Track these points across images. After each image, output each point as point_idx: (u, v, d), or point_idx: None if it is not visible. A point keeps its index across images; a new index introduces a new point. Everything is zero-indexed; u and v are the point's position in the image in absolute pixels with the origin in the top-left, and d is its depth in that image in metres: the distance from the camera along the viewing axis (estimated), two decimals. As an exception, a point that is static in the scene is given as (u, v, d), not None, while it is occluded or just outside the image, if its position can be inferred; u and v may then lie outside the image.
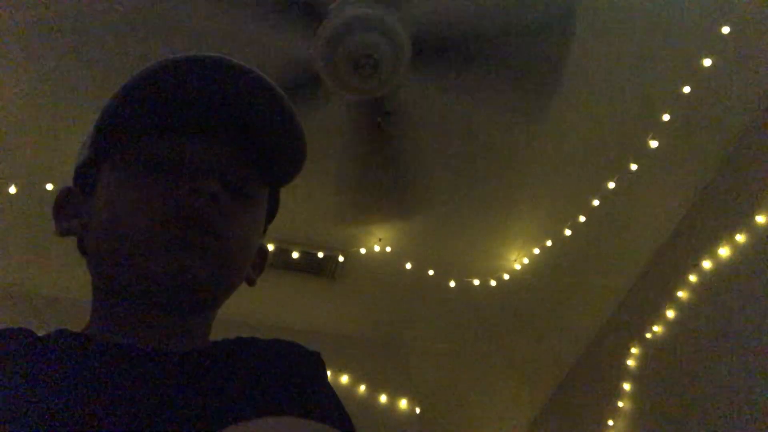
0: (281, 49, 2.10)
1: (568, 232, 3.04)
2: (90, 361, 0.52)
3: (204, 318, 0.63)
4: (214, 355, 0.57)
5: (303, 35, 1.99)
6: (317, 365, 0.62)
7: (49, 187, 2.53)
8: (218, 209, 0.58)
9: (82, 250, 0.64)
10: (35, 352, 0.53)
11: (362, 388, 3.30)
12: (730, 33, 2.40)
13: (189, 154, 0.61)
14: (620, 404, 3.16)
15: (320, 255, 3.09)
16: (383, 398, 3.32)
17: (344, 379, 3.27)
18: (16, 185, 2.60)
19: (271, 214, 0.73)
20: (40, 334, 0.58)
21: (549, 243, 3.10)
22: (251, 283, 0.70)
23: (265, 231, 0.73)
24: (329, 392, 0.59)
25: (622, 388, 3.17)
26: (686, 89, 2.57)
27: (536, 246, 3.14)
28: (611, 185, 2.87)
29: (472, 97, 2.36)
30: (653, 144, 2.72)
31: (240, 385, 0.52)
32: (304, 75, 2.05)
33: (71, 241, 0.66)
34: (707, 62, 2.48)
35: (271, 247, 2.95)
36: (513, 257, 3.21)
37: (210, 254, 0.58)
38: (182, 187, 0.58)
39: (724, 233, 2.77)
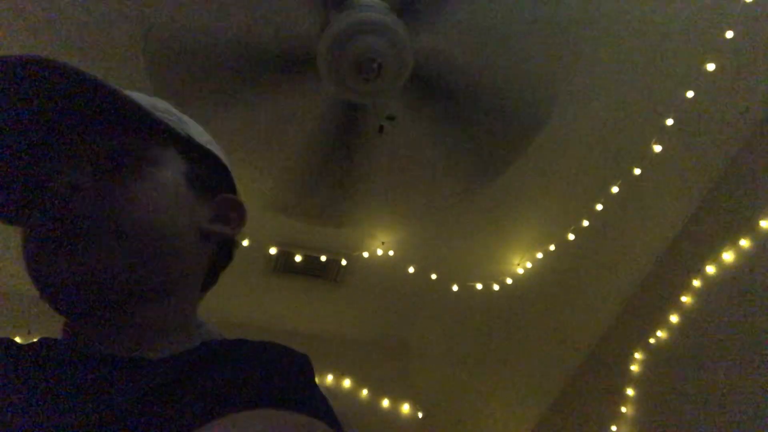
0: (290, 22, 2.09)
1: (571, 237, 3.03)
2: (65, 370, 0.52)
3: (154, 314, 0.59)
4: (191, 359, 0.54)
5: (315, 15, 1.98)
6: (304, 367, 0.58)
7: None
8: (81, 197, 0.56)
9: None
10: (14, 361, 0.53)
11: (364, 392, 3.29)
12: (733, 38, 2.40)
13: (48, 155, 0.60)
14: (623, 410, 3.15)
15: (323, 258, 3.09)
16: (385, 402, 3.31)
17: (346, 383, 3.27)
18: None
19: (203, 172, 0.65)
20: (41, 336, 0.58)
21: (552, 247, 3.10)
22: (219, 235, 0.65)
23: (207, 191, 0.66)
24: (316, 394, 0.56)
25: (626, 394, 3.15)
26: (690, 94, 2.57)
27: (539, 250, 3.14)
28: (615, 189, 2.87)
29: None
30: (657, 148, 2.71)
31: (216, 389, 0.50)
32: (303, 54, 2.03)
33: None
34: (711, 67, 2.48)
35: (273, 251, 2.94)
36: (516, 261, 3.21)
37: (87, 246, 0.55)
38: (47, 193, 0.57)
39: (728, 238, 2.77)
